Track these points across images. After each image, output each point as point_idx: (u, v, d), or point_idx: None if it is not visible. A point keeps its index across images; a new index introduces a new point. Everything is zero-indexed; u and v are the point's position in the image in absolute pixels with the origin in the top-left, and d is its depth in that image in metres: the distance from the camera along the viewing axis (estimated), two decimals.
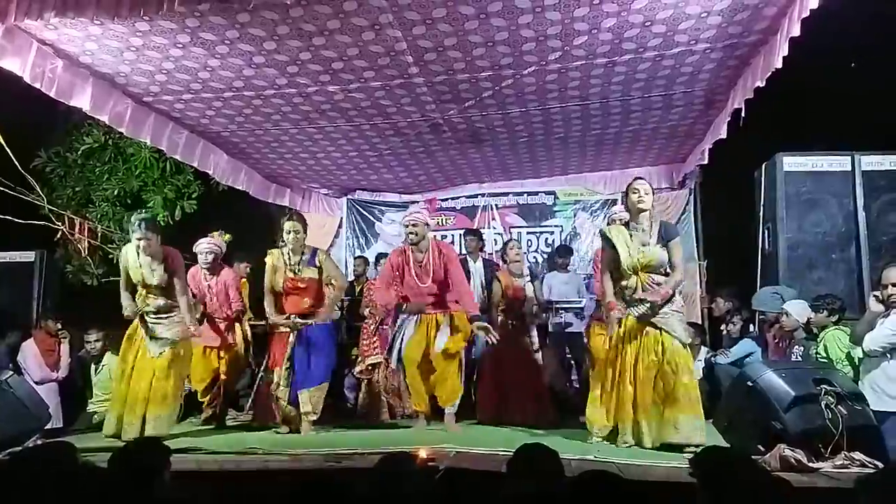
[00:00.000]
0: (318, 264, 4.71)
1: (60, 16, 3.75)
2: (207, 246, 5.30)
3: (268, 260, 4.76)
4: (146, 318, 4.53)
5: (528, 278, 5.57)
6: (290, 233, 4.62)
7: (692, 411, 3.76)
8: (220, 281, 5.34)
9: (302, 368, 4.62)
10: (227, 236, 5.52)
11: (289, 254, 4.67)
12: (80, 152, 7.62)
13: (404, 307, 4.95)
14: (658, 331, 3.88)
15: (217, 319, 5.36)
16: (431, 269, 4.71)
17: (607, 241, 4.09)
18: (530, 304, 5.51)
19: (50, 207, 6.26)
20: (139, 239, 4.36)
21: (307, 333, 4.65)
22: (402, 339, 4.83)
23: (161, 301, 4.52)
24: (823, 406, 3.29)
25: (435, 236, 5.38)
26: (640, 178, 4.14)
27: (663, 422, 3.81)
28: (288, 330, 4.67)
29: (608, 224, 4.79)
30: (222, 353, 5.33)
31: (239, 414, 5.94)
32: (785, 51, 3.91)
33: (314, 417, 4.66)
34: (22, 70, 4.22)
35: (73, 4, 3.67)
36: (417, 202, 7.46)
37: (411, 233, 4.71)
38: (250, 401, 5.96)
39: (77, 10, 3.69)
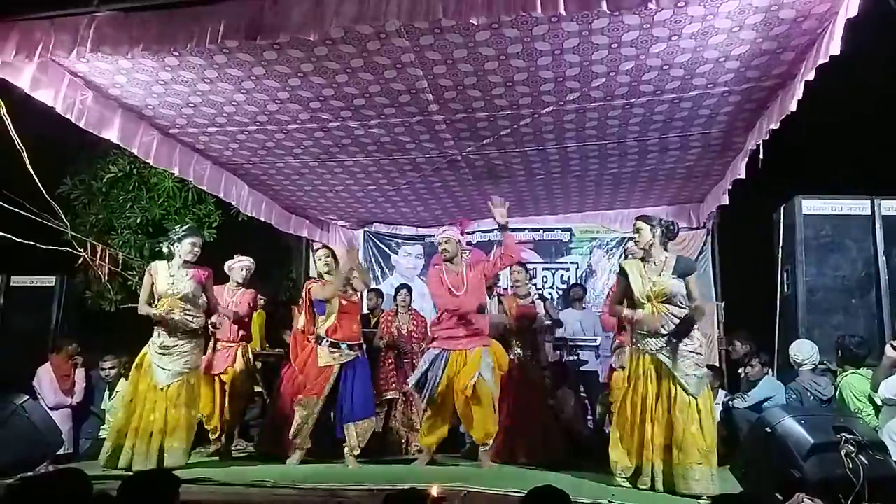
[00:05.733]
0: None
1: (94, 51, 3.87)
2: (242, 262, 5.48)
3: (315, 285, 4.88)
4: (154, 348, 4.44)
5: (537, 297, 5.61)
6: (320, 259, 4.91)
7: (701, 461, 3.69)
8: (242, 296, 5.38)
9: (349, 400, 4.67)
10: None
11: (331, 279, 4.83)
12: (104, 180, 7.79)
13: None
14: (669, 378, 3.83)
15: (224, 343, 5.31)
16: (466, 279, 4.78)
17: (622, 274, 4.17)
18: (541, 322, 5.51)
19: (73, 234, 6.36)
20: (193, 244, 4.55)
21: (354, 364, 4.73)
22: (433, 379, 4.69)
23: (182, 315, 4.44)
24: (843, 455, 3.20)
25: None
26: (639, 218, 4.15)
27: (672, 470, 3.75)
28: (332, 363, 4.71)
29: (625, 258, 4.87)
30: (225, 379, 5.27)
31: (248, 444, 5.91)
32: (800, 94, 3.93)
33: (357, 452, 4.67)
34: (54, 101, 4.34)
35: (108, 40, 3.80)
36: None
37: (444, 249, 4.87)
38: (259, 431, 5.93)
39: (112, 45, 3.82)
